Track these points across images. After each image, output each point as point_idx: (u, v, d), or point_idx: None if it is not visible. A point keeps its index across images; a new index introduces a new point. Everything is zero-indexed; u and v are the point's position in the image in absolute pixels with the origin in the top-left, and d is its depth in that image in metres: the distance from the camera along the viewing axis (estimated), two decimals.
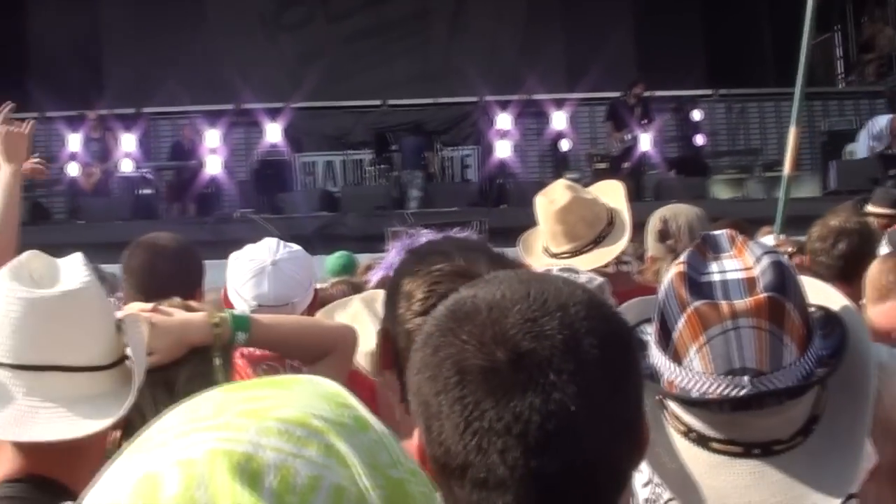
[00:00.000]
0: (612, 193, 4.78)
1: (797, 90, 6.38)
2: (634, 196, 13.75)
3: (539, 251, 4.62)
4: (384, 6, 22.03)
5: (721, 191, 18.32)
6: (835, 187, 16.52)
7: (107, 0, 20.88)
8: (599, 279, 3.97)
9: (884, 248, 5.53)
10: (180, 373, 2.31)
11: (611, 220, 4.56)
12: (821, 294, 1.90)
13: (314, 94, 19.26)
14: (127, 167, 17.57)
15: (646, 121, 17.74)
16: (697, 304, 1.70)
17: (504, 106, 18.71)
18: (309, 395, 0.92)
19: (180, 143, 18.34)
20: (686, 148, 19.63)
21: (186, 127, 18.45)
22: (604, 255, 4.47)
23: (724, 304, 1.69)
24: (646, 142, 17.63)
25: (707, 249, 1.81)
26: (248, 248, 3.68)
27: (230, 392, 0.93)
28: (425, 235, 4.01)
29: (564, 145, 18.93)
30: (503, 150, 18.12)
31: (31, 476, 1.98)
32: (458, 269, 2.00)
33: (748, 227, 6.07)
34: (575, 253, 4.46)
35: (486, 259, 2.03)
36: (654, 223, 5.40)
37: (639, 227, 5.25)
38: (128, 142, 17.72)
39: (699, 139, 19.34)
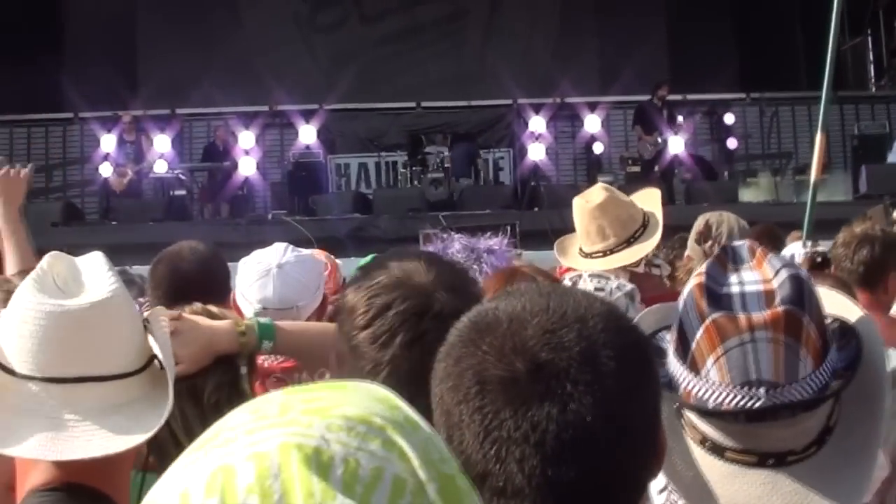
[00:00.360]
0: (649, 199, 4.88)
1: (823, 97, 6.38)
2: (666, 200, 13.75)
3: (574, 253, 4.70)
4: (418, 8, 22.04)
5: (752, 194, 18.25)
6: (866, 191, 16.55)
7: (142, 2, 21.08)
8: (629, 286, 4.03)
9: None
10: (207, 382, 2.29)
11: (645, 223, 4.65)
12: (839, 305, 1.92)
13: (348, 96, 19.31)
14: (160, 168, 17.61)
15: (670, 123, 17.74)
16: (716, 315, 1.73)
17: (537, 109, 18.79)
18: (364, 396, 0.97)
19: (214, 145, 18.42)
20: (718, 151, 19.67)
21: (220, 128, 18.50)
22: (634, 253, 4.57)
23: (742, 316, 1.72)
24: (677, 145, 17.66)
25: (727, 261, 1.84)
26: (257, 252, 3.72)
27: (291, 394, 0.97)
28: (458, 240, 4.06)
29: (598, 148, 18.95)
30: (536, 153, 18.12)
31: (67, 484, 1.94)
32: (395, 279, 2.01)
33: (780, 232, 6.09)
34: (606, 252, 4.56)
35: (424, 267, 2.05)
36: (698, 224, 5.47)
37: (671, 231, 5.31)
38: (161, 143, 17.78)
39: (731, 142, 19.36)
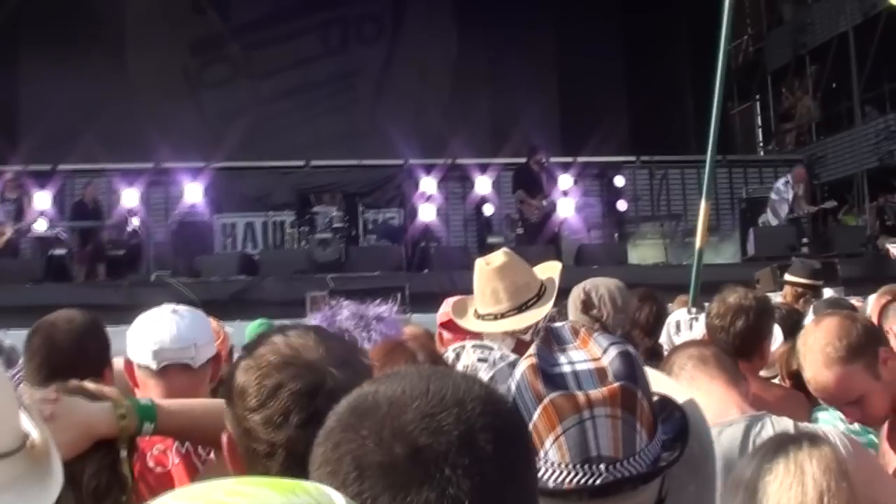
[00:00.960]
0: (548, 270, 4.94)
1: (707, 165, 6.59)
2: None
3: (470, 314, 4.76)
4: (309, 65, 22.14)
5: (642, 256, 18.60)
6: (753, 253, 17.04)
7: (25, 52, 20.83)
8: (512, 356, 4.12)
9: (809, 320, 5.73)
10: (85, 467, 2.22)
11: (540, 293, 4.72)
12: (662, 384, 2.03)
13: (236, 154, 19.13)
14: (41, 227, 17.20)
15: (550, 188, 17.88)
16: (553, 395, 1.79)
17: (429, 169, 18.96)
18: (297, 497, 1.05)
19: (82, 203, 17.96)
20: (608, 213, 19.93)
21: (89, 186, 18.15)
22: (523, 320, 4.61)
23: (579, 394, 1.79)
24: (565, 207, 18.09)
25: (552, 342, 1.91)
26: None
27: (224, 482, 1.08)
28: (346, 307, 4.08)
29: (488, 210, 19.27)
30: (427, 213, 18.19)
31: None
32: (285, 357, 2.03)
33: (660, 294, 6.21)
34: (498, 316, 4.63)
35: (313, 343, 2.07)
36: (576, 295, 5.49)
37: (563, 294, 5.44)
38: (42, 200, 17.35)
39: (621, 205, 19.65)
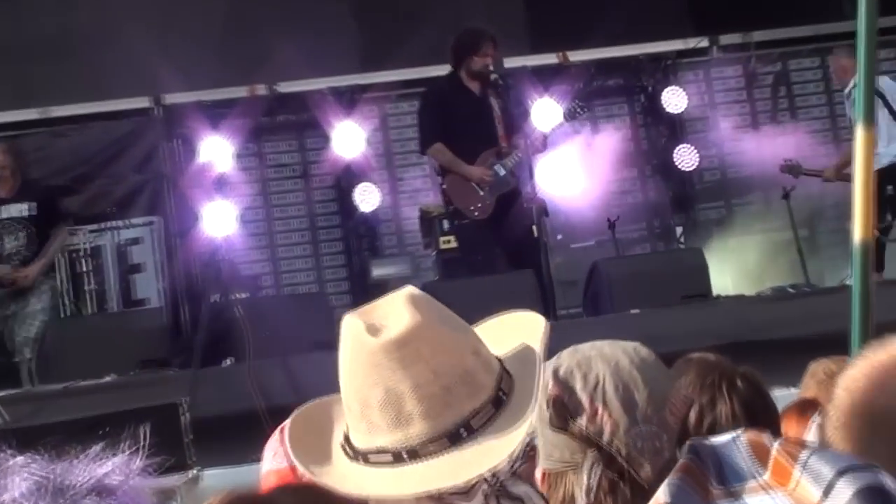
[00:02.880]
0: (520, 333, 4.87)
1: (861, 47, 6.18)
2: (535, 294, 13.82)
3: (335, 450, 4.65)
4: None
5: (737, 272, 19.23)
6: None
7: None
8: None
9: None
10: None
11: (500, 392, 4.55)
12: None
13: None
14: None
15: (510, 121, 17.63)
16: None
17: (216, 115, 19.62)
18: None
19: None
20: (653, 178, 20.61)
21: None
22: (463, 465, 4.39)
23: None
24: (545, 172, 18.13)
25: (708, 477, 2.31)
26: None
27: None
28: (23, 472, 3.57)
29: (366, 199, 19.39)
30: (219, 220, 18.37)
31: None
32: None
33: (753, 374, 6.25)
34: (401, 456, 4.41)
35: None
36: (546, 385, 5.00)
37: None
38: None
39: (684, 157, 19.94)
